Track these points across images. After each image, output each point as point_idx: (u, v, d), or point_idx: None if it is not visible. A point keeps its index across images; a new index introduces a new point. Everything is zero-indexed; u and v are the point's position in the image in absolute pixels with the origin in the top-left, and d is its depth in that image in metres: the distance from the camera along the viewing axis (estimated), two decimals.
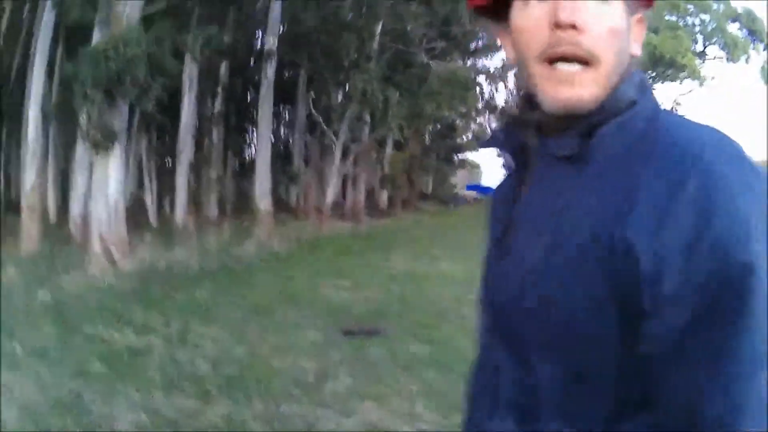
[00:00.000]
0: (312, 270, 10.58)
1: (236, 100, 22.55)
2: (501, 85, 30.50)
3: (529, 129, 0.92)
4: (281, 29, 18.12)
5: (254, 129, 21.82)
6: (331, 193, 19.70)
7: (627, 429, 0.75)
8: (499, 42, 1.00)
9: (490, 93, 34.19)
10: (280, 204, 22.87)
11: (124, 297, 7.79)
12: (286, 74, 22.25)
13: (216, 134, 19.78)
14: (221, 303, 7.70)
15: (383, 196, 28.04)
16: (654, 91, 0.89)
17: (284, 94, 21.43)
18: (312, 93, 20.02)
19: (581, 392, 0.78)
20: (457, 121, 43.35)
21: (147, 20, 11.23)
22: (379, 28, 18.26)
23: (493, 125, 45.78)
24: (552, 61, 0.83)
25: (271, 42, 16.85)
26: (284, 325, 6.70)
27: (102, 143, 10.02)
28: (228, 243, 12.48)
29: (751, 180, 0.70)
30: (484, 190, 72.71)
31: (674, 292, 0.68)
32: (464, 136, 48.34)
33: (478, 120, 46.37)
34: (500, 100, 35.25)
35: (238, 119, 23.10)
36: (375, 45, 18.18)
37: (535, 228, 0.86)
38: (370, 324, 6.72)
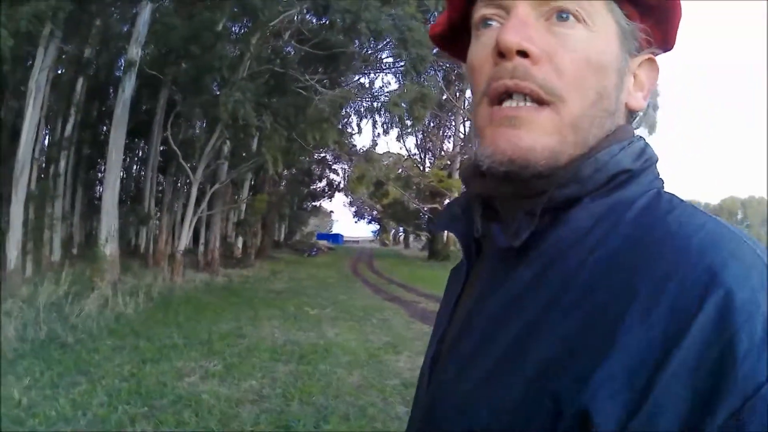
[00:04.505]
0: (168, 343, 7.81)
1: (91, 126, 19.03)
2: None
3: (475, 206, 0.73)
4: (146, 41, 15.08)
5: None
6: (184, 238, 16.72)
7: None
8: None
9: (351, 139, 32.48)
10: (129, 248, 19.64)
11: None
12: (145, 105, 19.11)
13: (64, 163, 16.19)
14: (42, 405, 4.91)
15: (238, 243, 25.20)
16: (657, 164, 0.67)
17: (141, 125, 18.32)
18: (171, 119, 17.05)
19: None
20: (313, 167, 41.81)
21: None
22: (255, 39, 15.78)
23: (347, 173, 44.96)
24: (495, 101, 0.63)
25: (134, 52, 13.81)
26: None
27: None
28: (64, 298, 9.30)
29: None
30: (335, 238, 72.05)
31: None
32: (319, 183, 46.94)
33: (334, 167, 45.23)
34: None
35: (92, 148, 19.51)
36: (249, 62, 15.69)
37: (481, 337, 0.63)
38: None
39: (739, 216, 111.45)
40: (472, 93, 0.68)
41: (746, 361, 0.46)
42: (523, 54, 0.61)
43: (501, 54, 0.62)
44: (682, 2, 0.69)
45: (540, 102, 0.61)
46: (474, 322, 0.66)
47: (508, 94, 0.62)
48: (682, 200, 0.61)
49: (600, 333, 0.52)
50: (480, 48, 0.66)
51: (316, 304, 12.75)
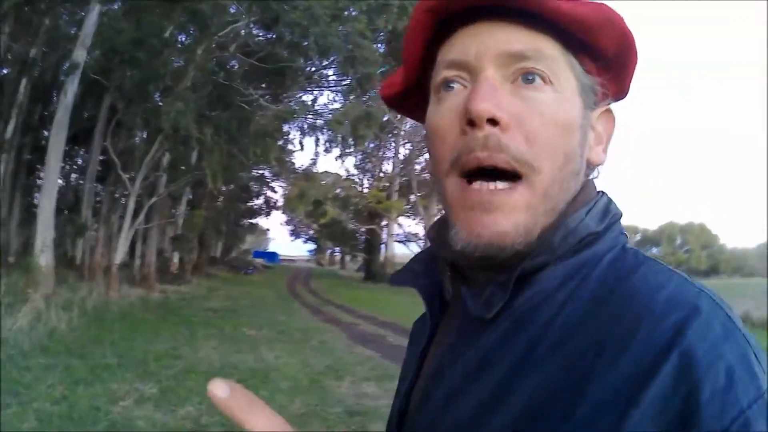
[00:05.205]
0: (102, 362, 7.47)
1: (33, 130, 18.23)
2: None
3: (441, 267, 0.72)
4: (92, 44, 14.52)
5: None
6: (121, 251, 16.14)
7: None
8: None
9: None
10: (66, 259, 18.83)
11: None
12: (87, 112, 18.46)
13: (3, 167, 15.42)
14: None
15: (174, 258, 24.54)
16: (620, 219, 0.67)
17: (82, 132, 17.67)
18: (112, 127, 16.51)
19: None
20: (251, 184, 41.27)
21: None
22: (201, 50, 15.49)
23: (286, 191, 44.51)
24: (466, 174, 0.61)
25: (80, 55, 13.25)
26: None
27: None
28: None
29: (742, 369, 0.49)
30: (271, 256, 71.04)
31: None
32: (256, 200, 46.39)
33: (272, 184, 44.77)
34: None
35: (33, 153, 18.66)
36: (193, 72, 15.37)
37: (453, 391, 0.62)
38: None
39: (678, 241, 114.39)
40: (435, 159, 0.65)
41: (709, 408, 0.47)
42: (493, 122, 0.59)
43: (471, 122, 0.59)
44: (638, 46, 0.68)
45: (514, 176, 0.60)
46: (446, 377, 0.64)
47: (480, 168, 0.60)
48: (646, 255, 0.62)
49: (567, 388, 0.52)
50: (443, 112, 0.64)
51: (254, 325, 12.52)
